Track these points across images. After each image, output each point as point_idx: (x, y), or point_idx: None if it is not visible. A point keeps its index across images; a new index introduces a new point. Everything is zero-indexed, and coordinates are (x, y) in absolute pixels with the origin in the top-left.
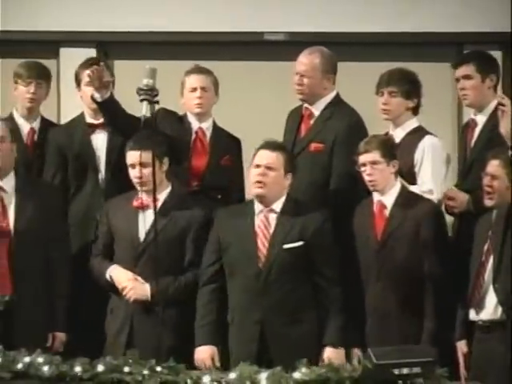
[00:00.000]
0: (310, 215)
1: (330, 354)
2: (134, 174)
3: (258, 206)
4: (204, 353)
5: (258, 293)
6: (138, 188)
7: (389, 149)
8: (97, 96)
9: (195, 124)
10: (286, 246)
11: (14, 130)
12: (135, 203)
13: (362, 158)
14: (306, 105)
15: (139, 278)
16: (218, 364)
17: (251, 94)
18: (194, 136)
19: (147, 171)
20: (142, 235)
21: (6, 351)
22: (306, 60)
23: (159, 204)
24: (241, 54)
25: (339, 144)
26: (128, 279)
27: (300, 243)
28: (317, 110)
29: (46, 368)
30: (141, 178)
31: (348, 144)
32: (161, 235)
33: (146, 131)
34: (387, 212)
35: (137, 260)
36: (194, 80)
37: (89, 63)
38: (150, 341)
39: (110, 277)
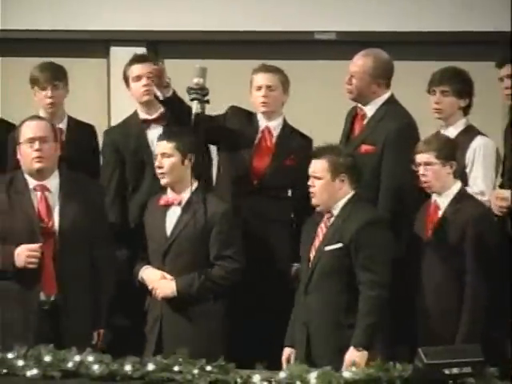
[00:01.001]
0: (357, 217)
1: (351, 355)
2: (155, 163)
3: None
4: (284, 353)
5: (304, 293)
6: (161, 181)
7: (447, 149)
8: (159, 95)
9: (263, 123)
10: (326, 248)
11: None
12: (162, 201)
13: (418, 158)
14: (359, 105)
15: (167, 276)
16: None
17: (301, 93)
18: (259, 135)
19: (168, 162)
20: (168, 232)
21: (56, 350)
22: (359, 62)
23: (183, 201)
24: (291, 53)
25: (388, 146)
26: (156, 278)
27: (339, 245)
28: (370, 110)
29: (96, 367)
30: (161, 167)
31: (397, 146)
32: (185, 231)
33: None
34: (440, 213)
35: (164, 257)
36: (259, 78)
37: (135, 60)
38: (179, 339)
39: (142, 278)
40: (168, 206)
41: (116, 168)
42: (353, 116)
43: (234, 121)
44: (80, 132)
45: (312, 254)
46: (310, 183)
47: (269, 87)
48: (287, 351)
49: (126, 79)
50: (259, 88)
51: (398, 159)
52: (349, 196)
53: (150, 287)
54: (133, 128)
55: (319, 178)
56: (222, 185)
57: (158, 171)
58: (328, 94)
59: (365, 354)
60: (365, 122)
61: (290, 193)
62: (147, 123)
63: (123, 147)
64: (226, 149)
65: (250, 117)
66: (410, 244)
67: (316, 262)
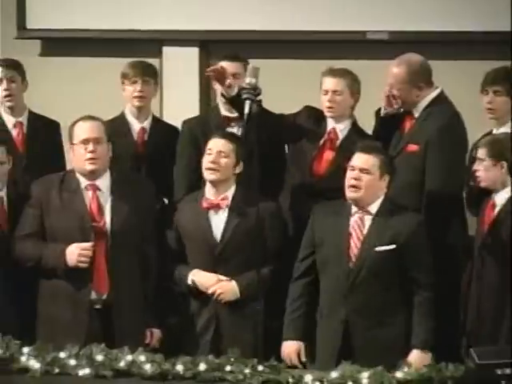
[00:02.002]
0: (404, 218)
1: (415, 356)
2: (208, 158)
3: (354, 207)
4: (290, 347)
5: (345, 292)
6: (208, 177)
7: (499, 148)
8: (224, 93)
9: (330, 124)
10: (377, 249)
11: (124, 128)
12: (205, 204)
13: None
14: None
15: (224, 278)
16: (303, 359)
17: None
18: (325, 136)
19: (224, 161)
20: (217, 235)
21: (108, 349)
22: (393, 72)
23: (229, 201)
24: (343, 52)
25: (431, 146)
26: (214, 282)
27: (392, 246)
28: (417, 111)
29: (148, 366)
30: (215, 163)
31: (440, 146)
32: (237, 232)
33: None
34: (496, 212)
35: (216, 260)
36: (326, 82)
37: (225, 57)
38: (235, 339)
39: (193, 281)
40: (210, 208)
41: (191, 159)
42: (404, 117)
43: (303, 121)
44: (162, 132)
45: (353, 252)
46: (353, 176)
47: (334, 92)
48: (296, 344)
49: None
50: (326, 92)
51: (442, 158)
52: (383, 197)
53: (209, 291)
54: (212, 123)
55: (369, 173)
56: (288, 185)
57: (211, 166)
58: (380, 94)
59: (429, 355)
60: (412, 122)
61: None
62: (227, 121)
63: (201, 139)
64: (294, 149)
65: (320, 118)
66: (466, 243)
67: (363, 262)
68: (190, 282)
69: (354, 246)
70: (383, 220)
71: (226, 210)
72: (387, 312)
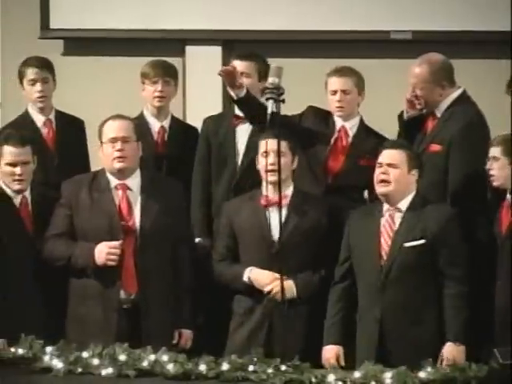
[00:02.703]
0: (434, 212)
1: (450, 350)
2: (268, 161)
3: (385, 206)
4: (329, 352)
5: (378, 291)
6: (270, 178)
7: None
8: (232, 95)
9: (339, 123)
10: (407, 245)
11: (143, 128)
12: (262, 201)
13: (489, 152)
14: None
15: (279, 276)
16: (342, 363)
17: (377, 92)
18: (336, 134)
19: (282, 160)
20: (275, 233)
21: (131, 349)
22: (415, 72)
23: (287, 200)
24: (366, 52)
25: (454, 146)
26: (272, 280)
27: (422, 241)
28: (439, 111)
29: (170, 366)
30: (274, 165)
31: (463, 145)
32: (295, 231)
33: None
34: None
35: (272, 259)
36: (334, 83)
37: (238, 56)
38: (291, 338)
39: (249, 278)
40: (269, 206)
41: (204, 157)
42: (427, 116)
43: (311, 120)
44: (182, 132)
45: (384, 250)
46: (381, 171)
47: (343, 91)
48: (336, 349)
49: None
50: (334, 92)
51: (464, 158)
52: (414, 193)
53: (266, 288)
54: (225, 121)
55: (396, 167)
56: (300, 185)
57: (271, 168)
58: (403, 93)
59: (463, 348)
60: (435, 121)
61: (366, 194)
62: (239, 119)
63: (212, 138)
64: (302, 149)
65: (326, 117)
66: (488, 242)
67: (393, 259)
68: (245, 279)
69: (385, 243)
70: (413, 216)
71: (285, 208)
72: (421, 309)
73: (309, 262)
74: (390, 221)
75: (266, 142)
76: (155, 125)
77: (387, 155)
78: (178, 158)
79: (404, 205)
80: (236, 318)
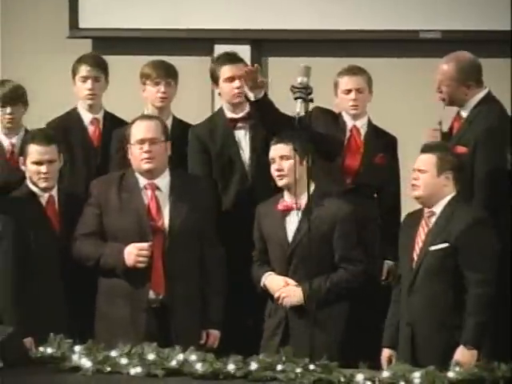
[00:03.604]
0: (460, 217)
1: (461, 353)
2: (273, 167)
3: (425, 209)
4: (383, 354)
5: (408, 293)
6: (279, 183)
7: None
8: (250, 95)
9: (350, 122)
10: (432, 248)
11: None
12: (280, 206)
13: None
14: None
15: (291, 282)
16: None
17: (406, 91)
18: (348, 134)
19: (287, 164)
20: (290, 237)
21: (159, 348)
22: (443, 69)
23: (303, 203)
24: (396, 51)
25: (479, 147)
26: (280, 286)
27: (445, 245)
28: (464, 111)
29: (199, 365)
30: (281, 170)
31: (488, 146)
32: (307, 236)
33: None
34: None
35: (287, 263)
36: (348, 81)
37: (228, 60)
38: (305, 343)
39: (264, 284)
40: (285, 210)
41: (204, 166)
42: (454, 117)
43: (321, 121)
44: (184, 132)
45: (416, 254)
46: (413, 176)
47: (358, 90)
48: (387, 352)
49: (215, 79)
50: (348, 91)
51: (490, 159)
52: (452, 195)
53: (275, 295)
54: (219, 126)
55: (424, 172)
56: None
57: (278, 173)
58: (433, 92)
59: (474, 353)
60: (460, 122)
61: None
62: (234, 122)
63: (210, 145)
64: (316, 150)
65: (335, 117)
66: None
67: (421, 262)
68: (262, 284)
69: (417, 246)
70: (444, 219)
71: (300, 213)
72: (447, 312)
73: (323, 266)
74: (425, 224)
75: (271, 149)
76: None
77: (418, 160)
78: (180, 158)
79: (439, 208)
80: (266, 320)
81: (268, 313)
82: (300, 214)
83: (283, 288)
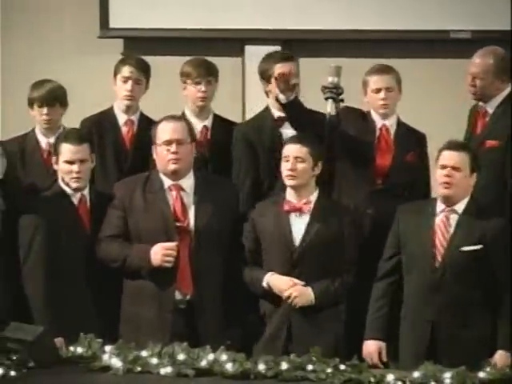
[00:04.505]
0: (492, 219)
1: (497, 357)
2: (286, 166)
3: (439, 206)
4: (371, 346)
5: (431, 292)
6: (288, 182)
7: None
8: (281, 98)
9: (379, 121)
10: (464, 249)
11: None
12: (286, 207)
13: None
14: (480, 103)
15: (299, 282)
16: (384, 359)
17: (435, 91)
18: (378, 133)
19: (301, 166)
20: (297, 240)
21: (190, 348)
22: (479, 62)
23: (311, 206)
24: (426, 52)
25: None
26: (290, 286)
27: (479, 246)
28: (491, 107)
29: (229, 365)
30: (293, 170)
31: None
32: (317, 238)
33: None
34: None
35: (293, 264)
36: (377, 81)
37: (283, 58)
38: (310, 343)
39: (268, 284)
40: (291, 211)
41: (251, 165)
42: (475, 114)
43: (350, 120)
44: (225, 130)
45: (438, 251)
46: (445, 173)
47: (387, 89)
48: (378, 344)
49: (266, 77)
50: (378, 90)
51: None
52: (470, 196)
53: (284, 294)
54: (266, 125)
55: (460, 171)
56: (345, 186)
57: (290, 173)
58: (463, 92)
59: (509, 355)
60: (487, 119)
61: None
62: (281, 121)
63: (257, 143)
64: (346, 150)
65: (364, 116)
66: None
67: (449, 262)
68: (265, 284)
69: (440, 245)
70: (470, 219)
71: (308, 214)
72: (472, 312)
73: (329, 269)
74: (446, 222)
75: (288, 147)
76: (197, 124)
77: (451, 157)
78: (222, 157)
79: (460, 207)
80: (258, 323)
81: (267, 314)
82: (308, 217)
83: (293, 288)
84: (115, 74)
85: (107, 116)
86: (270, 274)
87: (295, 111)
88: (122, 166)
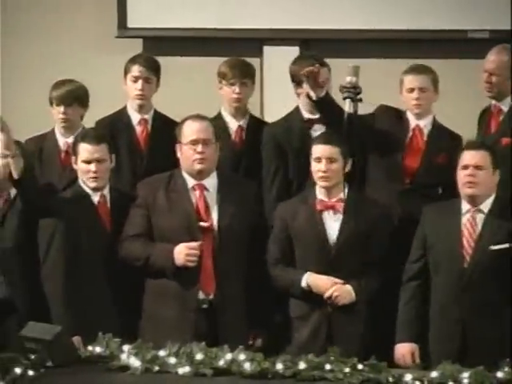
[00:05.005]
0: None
1: None
2: (318, 167)
3: (465, 206)
4: (404, 349)
5: (460, 292)
6: (321, 184)
7: None
8: (312, 95)
9: (413, 121)
10: (493, 248)
11: (222, 127)
12: (319, 206)
13: None
14: (493, 101)
15: (338, 281)
16: (418, 361)
17: (452, 91)
18: (410, 133)
19: (333, 167)
20: (332, 238)
21: (208, 348)
22: (494, 58)
23: (343, 204)
24: (444, 52)
25: None
26: (330, 285)
27: (507, 245)
28: (505, 106)
29: (247, 365)
30: (326, 172)
31: None
32: (351, 235)
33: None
34: None
35: (330, 263)
36: (411, 80)
37: (308, 62)
38: (351, 342)
39: (308, 284)
40: (325, 210)
41: (280, 165)
42: (488, 115)
43: (384, 120)
44: (260, 131)
45: (466, 252)
46: (468, 173)
47: (421, 89)
48: (411, 346)
49: (297, 79)
50: (411, 90)
51: None
52: (494, 195)
53: (326, 294)
54: (295, 126)
55: (483, 169)
56: (374, 185)
57: (323, 175)
58: (480, 92)
59: None
60: (501, 117)
61: (440, 191)
62: (310, 122)
63: (286, 144)
64: (377, 148)
65: (399, 115)
66: None
67: (478, 261)
68: (304, 284)
69: (468, 245)
70: (496, 218)
71: (341, 211)
72: (503, 311)
73: (365, 265)
74: (472, 221)
75: (319, 147)
76: (233, 124)
77: (472, 156)
78: (256, 157)
79: (486, 206)
80: (293, 323)
81: (303, 315)
82: (342, 214)
83: (335, 287)
84: (125, 74)
85: (121, 116)
86: (308, 273)
87: (326, 107)
88: (136, 166)
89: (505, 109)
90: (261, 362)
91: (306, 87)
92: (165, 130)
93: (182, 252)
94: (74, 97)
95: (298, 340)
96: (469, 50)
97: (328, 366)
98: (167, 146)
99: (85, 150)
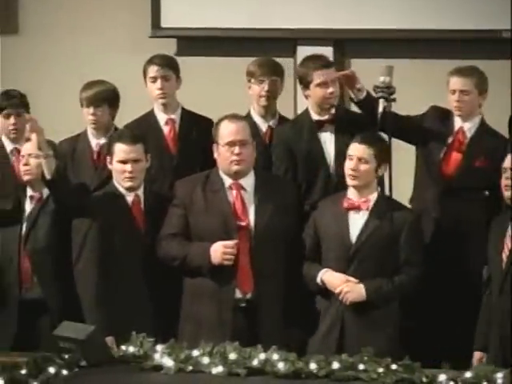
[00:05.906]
0: None
1: None
2: (348, 165)
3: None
4: (475, 357)
5: (498, 295)
6: (349, 182)
7: None
8: (352, 96)
9: (458, 123)
10: None
11: (252, 127)
12: (345, 204)
13: None
14: None
15: (352, 279)
16: None
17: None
18: (453, 135)
19: (364, 167)
20: (353, 236)
21: (241, 348)
22: None
23: (371, 204)
24: (477, 52)
25: None
26: (342, 282)
27: None
28: None
29: (281, 365)
30: (354, 170)
31: None
32: (374, 236)
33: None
34: None
35: (349, 261)
36: (455, 82)
37: (319, 65)
38: (362, 341)
39: (322, 281)
40: (351, 209)
41: (289, 166)
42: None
43: (430, 120)
44: None
45: (505, 254)
46: (507, 176)
47: (462, 91)
48: (479, 355)
49: (304, 82)
50: (454, 92)
51: None
52: None
53: (336, 290)
54: (305, 128)
55: None
56: (419, 186)
57: (352, 173)
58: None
59: None
60: None
61: (486, 193)
62: (320, 124)
63: (295, 147)
64: (422, 149)
65: (447, 117)
66: None
67: (509, 265)
68: (319, 281)
69: (506, 247)
70: None
71: (366, 212)
72: None
73: (385, 267)
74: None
75: (353, 145)
76: (263, 125)
77: (510, 160)
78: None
79: None
80: (312, 319)
81: (321, 310)
82: (367, 215)
83: (345, 284)
84: (144, 77)
85: (148, 118)
86: (324, 270)
87: (368, 108)
88: (164, 168)
89: None
90: (294, 362)
91: (314, 94)
92: (194, 128)
93: (219, 250)
94: (103, 98)
95: (317, 336)
96: (503, 49)
97: (361, 366)
98: (197, 145)
99: (121, 150)
